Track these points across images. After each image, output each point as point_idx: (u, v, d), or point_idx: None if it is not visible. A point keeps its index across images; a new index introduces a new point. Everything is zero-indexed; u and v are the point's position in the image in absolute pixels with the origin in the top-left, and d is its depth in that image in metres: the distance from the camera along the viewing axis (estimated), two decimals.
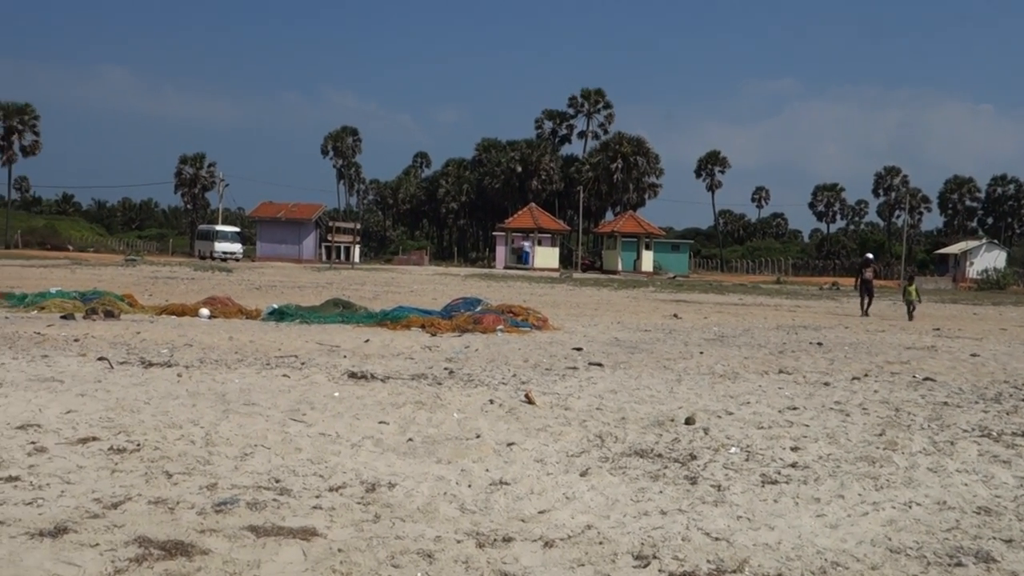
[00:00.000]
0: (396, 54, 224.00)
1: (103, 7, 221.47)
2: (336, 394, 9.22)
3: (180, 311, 18.30)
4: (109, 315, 16.51)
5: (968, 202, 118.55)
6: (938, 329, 22.37)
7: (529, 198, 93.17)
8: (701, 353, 14.43)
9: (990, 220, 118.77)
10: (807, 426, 8.41)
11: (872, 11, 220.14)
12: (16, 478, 5.73)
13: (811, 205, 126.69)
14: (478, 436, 7.53)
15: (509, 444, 7.27)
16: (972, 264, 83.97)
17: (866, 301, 27.61)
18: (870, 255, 30.63)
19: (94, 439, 6.83)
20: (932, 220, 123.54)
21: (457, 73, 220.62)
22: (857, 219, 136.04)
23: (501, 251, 78.25)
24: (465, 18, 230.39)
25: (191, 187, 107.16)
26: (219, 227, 78.18)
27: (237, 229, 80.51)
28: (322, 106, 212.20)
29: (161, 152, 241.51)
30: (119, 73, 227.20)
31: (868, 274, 28.01)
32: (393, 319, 17.38)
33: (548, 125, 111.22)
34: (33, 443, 6.63)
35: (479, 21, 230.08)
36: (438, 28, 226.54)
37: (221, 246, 73.14)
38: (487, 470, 6.50)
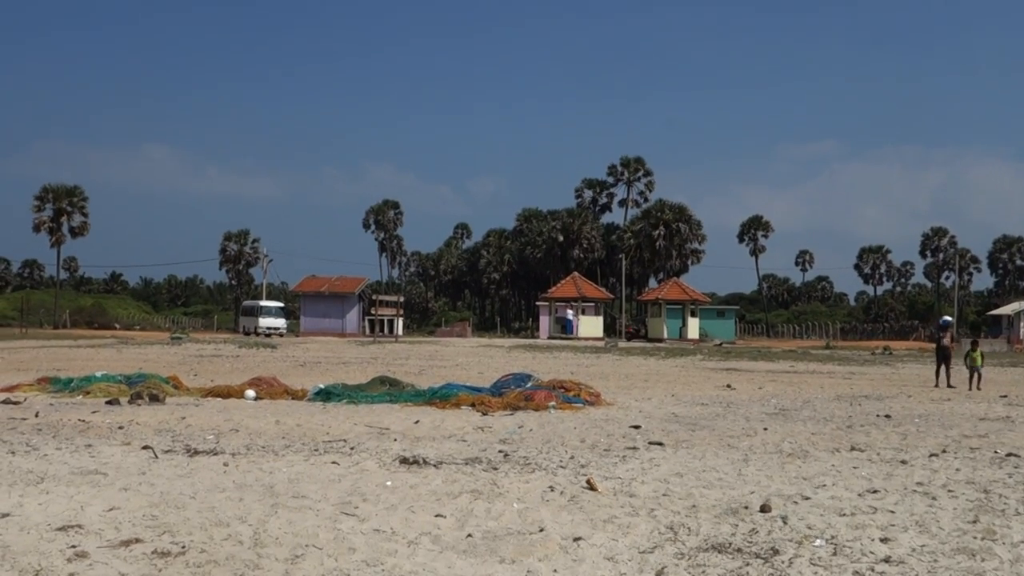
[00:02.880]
0: (431, 125, 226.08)
1: (144, 88, 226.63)
2: (388, 483, 8.80)
3: (226, 393, 18.06)
4: (154, 399, 16.28)
5: (1018, 261, 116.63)
6: (1005, 396, 21.55)
7: (571, 267, 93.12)
8: (765, 429, 13.83)
9: None
10: (892, 512, 7.84)
11: (908, 71, 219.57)
12: None
13: (857, 267, 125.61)
14: (541, 530, 7.06)
15: (576, 539, 6.79)
16: None
17: (943, 370, 25.34)
18: (948, 318, 28.10)
19: (137, 541, 6.46)
20: (982, 281, 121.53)
21: (493, 144, 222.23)
22: (904, 281, 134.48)
23: (544, 321, 77.82)
24: (499, 89, 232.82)
25: (235, 263, 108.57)
26: (263, 303, 78.65)
27: (281, 304, 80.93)
28: (362, 180, 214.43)
29: (206, 229, 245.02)
30: (162, 152, 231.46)
31: (945, 340, 25.70)
32: (442, 397, 16.99)
33: (588, 194, 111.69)
34: (73, 547, 6.26)
35: (513, 92, 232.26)
36: (472, 99, 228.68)
37: (265, 322, 73.42)
38: (555, 571, 6.03)
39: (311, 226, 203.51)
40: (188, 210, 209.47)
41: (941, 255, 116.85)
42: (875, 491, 8.80)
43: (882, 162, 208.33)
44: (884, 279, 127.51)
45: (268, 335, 69.24)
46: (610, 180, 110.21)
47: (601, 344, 61.27)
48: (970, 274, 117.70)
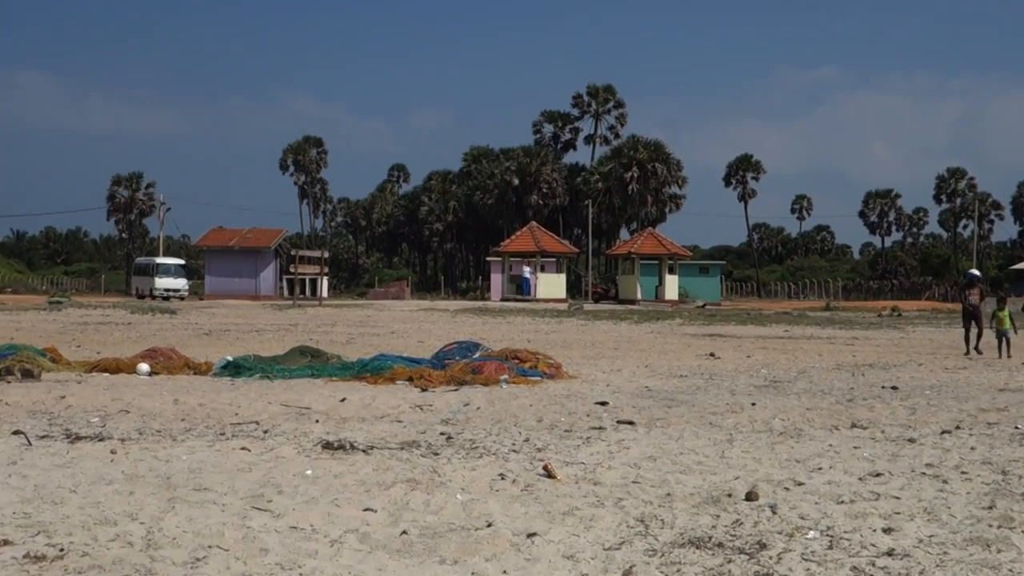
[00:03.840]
0: (362, 46, 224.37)
1: (15, 5, 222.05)
2: (308, 472, 8.81)
3: (114, 367, 17.93)
4: (27, 375, 16.12)
5: None
6: None
7: (528, 215, 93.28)
8: (753, 404, 14.05)
9: None
10: (897, 498, 8.00)
11: None
12: None
13: (862, 215, 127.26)
14: (489, 524, 7.10)
15: (530, 535, 6.84)
16: None
17: (973, 333, 25.20)
18: (975, 271, 28.11)
19: (6, 543, 6.40)
20: (1005, 230, 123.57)
21: (437, 70, 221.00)
22: (916, 230, 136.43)
23: (497, 280, 78.01)
24: (445, 4, 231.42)
25: (126, 213, 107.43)
26: (160, 260, 78.00)
27: (182, 262, 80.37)
28: (277, 112, 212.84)
29: (90, 172, 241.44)
30: (37, 80, 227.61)
31: (973, 297, 25.44)
32: (374, 371, 17.01)
33: (548, 129, 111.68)
34: None
35: (462, 7, 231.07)
36: (412, 16, 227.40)
37: (163, 282, 72.93)
38: (504, 572, 6.07)
39: (217, 168, 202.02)
40: (69, 149, 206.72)
41: (958, 200, 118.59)
42: (878, 474, 8.96)
43: (891, 92, 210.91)
44: (893, 228, 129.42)
45: (166, 298, 68.82)
46: (575, 112, 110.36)
47: (563, 307, 61.57)
48: (991, 222, 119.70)
